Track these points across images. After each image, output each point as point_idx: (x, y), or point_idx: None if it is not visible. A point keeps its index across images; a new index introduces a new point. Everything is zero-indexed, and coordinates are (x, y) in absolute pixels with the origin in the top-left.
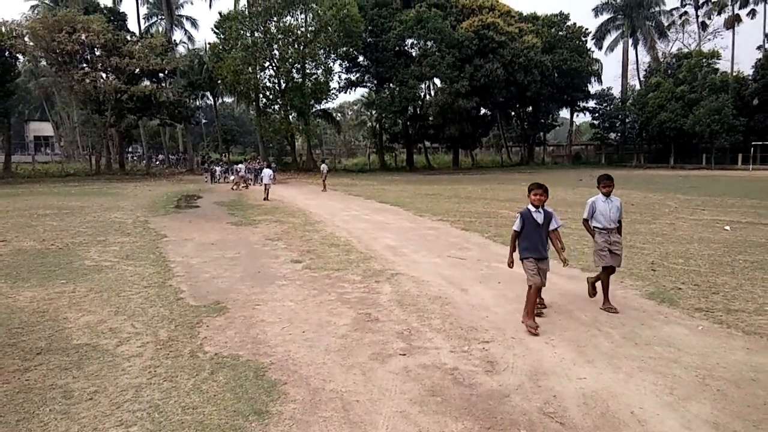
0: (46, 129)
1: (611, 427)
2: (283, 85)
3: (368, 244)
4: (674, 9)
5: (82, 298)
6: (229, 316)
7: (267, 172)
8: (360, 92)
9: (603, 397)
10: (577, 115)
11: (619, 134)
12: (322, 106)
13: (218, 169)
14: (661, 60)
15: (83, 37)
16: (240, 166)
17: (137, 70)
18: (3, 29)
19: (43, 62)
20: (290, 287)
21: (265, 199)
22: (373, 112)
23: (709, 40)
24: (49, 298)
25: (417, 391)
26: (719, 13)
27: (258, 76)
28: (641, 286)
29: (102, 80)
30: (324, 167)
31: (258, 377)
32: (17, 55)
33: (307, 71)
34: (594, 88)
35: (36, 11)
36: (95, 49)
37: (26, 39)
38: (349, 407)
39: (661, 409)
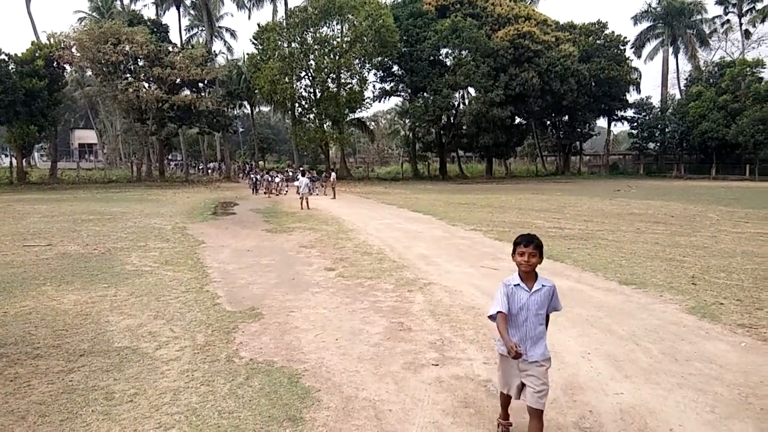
0: (90, 137)
1: None
2: (319, 95)
3: (401, 253)
4: (716, 17)
5: (123, 302)
6: (264, 322)
7: (303, 181)
8: (394, 101)
9: (641, 414)
10: (615, 125)
11: (658, 144)
12: (357, 115)
13: (268, 177)
14: (703, 69)
15: (127, 48)
16: (273, 175)
17: (178, 80)
18: (52, 41)
19: (89, 72)
20: (323, 295)
21: (302, 207)
22: (407, 120)
23: (753, 48)
24: (91, 301)
25: (450, 402)
26: (763, 21)
27: (294, 86)
28: (681, 300)
29: (144, 90)
30: (333, 175)
31: (292, 383)
32: (65, 65)
33: (342, 81)
34: (632, 97)
35: (83, 23)
36: (138, 60)
37: (73, 50)
38: (382, 416)
39: (702, 427)
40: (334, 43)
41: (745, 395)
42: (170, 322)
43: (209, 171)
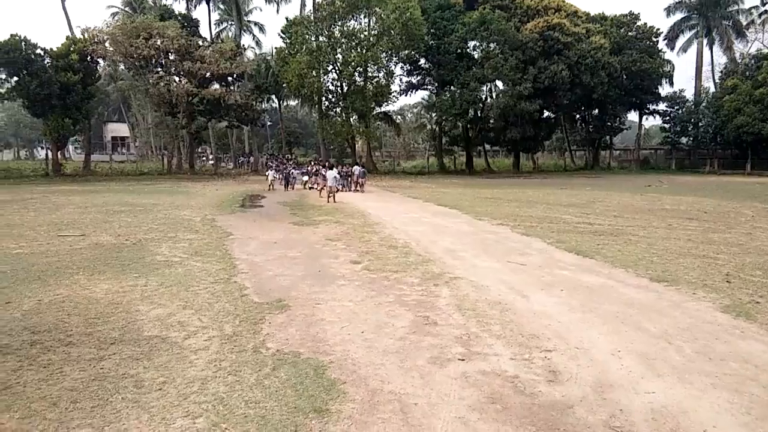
0: (122, 130)
1: None
2: (345, 88)
3: (427, 247)
4: (753, 8)
5: (153, 292)
6: (290, 313)
7: (331, 174)
8: (420, 95)
9: (673, 413)
10: (647, 119)
11: (691, 138)
12: (383, 109)
13: (296, 172)
14: (739, 61)
15: (159, 43)
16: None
17: (208, 73)
18: (86, 35)
19: (122, 66)
20: (349, 287)
21: (328, 201)
22: (433, 114)
23: None
24: (122, 290)
25: (476, 397)
26: None
27: (321, 80)
28: (715, 298)
29: (175, 84)
30: (357, 169)
31: (318, 375)
32: (98, 59)
33: (369, 74)
34: (665, 90)
35: (116, 18)
36: (169, 54)
37: (107, 44)
38: (408, 410)
39: (737, 429)
40: (362, 36)
41: None
42: (199, 312)
43: (245, 164)
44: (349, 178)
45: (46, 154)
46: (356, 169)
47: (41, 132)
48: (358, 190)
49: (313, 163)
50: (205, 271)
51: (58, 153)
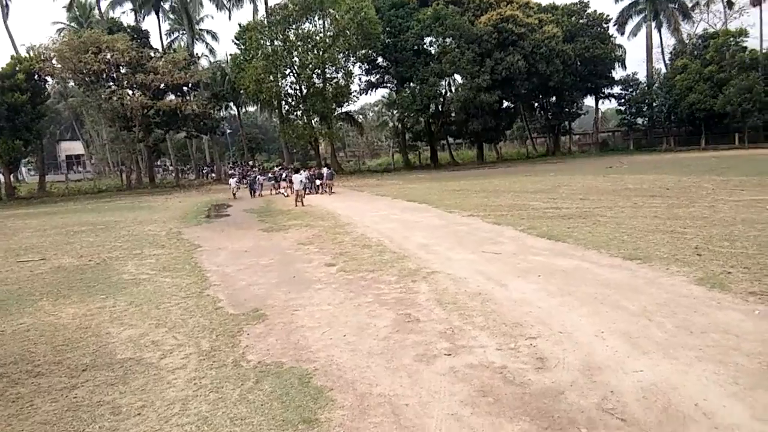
0: (77, 148)
1: (676, 421)
2: (305, 91)
3: (400, 244)
4: None
5: (122, 312)
6: (268, 323)
7: (297, 178)
8: (381, 93)
9: (663, 390)
10: (603, 102)
11: (646, 119)
12: (344, 109)
13: (262, 178)
14: (687, 42)
15: (109, 57)
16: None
17: (162, 85)
18: (31, 53)
19: (72, 83)
20: (326, 291)
21: (296, 205)
22: (395, 111)
23: (735, 18)
24: (90, 313)
25: (467, 391)
26: None
27: (279, 84)
28: (688, 272)
29: (128, 97)
30: (324, 170)
31: (303, 384)
32: (46, 77)
33: (328, 76)
34: (618, 74)
35: (62, 34)
36: (120, 67)
37: (54, 62)
38: (399, 411)
39: (727, 399)
40: (317, 38)
41: (767, 364)
42: (173, 329)
43: (207, 174)
44: (318, 181)
45: None
46: (324, 171)
47: None
48: (325, 192)
49: (278, 169)
50: (176, 286)
51: (11, 176)
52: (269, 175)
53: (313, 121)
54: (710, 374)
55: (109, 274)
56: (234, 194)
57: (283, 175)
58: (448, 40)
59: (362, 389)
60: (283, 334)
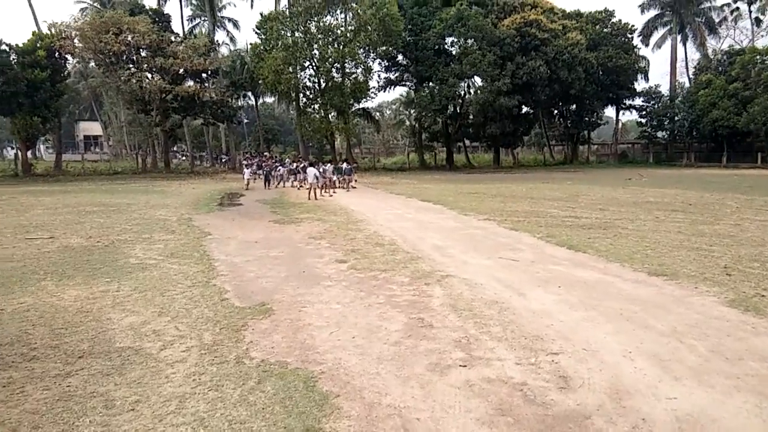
0: (95, 128)
1: None
2: (323, 85)
3: (414, 244)
4: (725, 5)
5: (125, 298)
6: (274, 318)
7: (311, 171)
8: (399, 91)
9: (700, 422)
10: (623, 113)
11: (667, 132)
12: (362, 105)
13: (283, 169)
14: (712, 57)
15: (129, 38)
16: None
17: (181, 70)
18: (53, 31)
19: (92, 63)
20: (336, 288)
21: (309, 198)
22: (412, 111)
23: (762, 36)
24: (93, 297)
25: (483, 409)
26: None
27: (298, 76)
28: (719, 292)
29: (147, 80)
30: (344, 166)
31: (308, 388)
32: (66, 56)
33: (347, 70)
34: (640, 85)
35: (84, 13)
36: (141, 50)
37: (75, 41)
38: (410, 426)
39: None
40: (338, 32)
41: None
42: (175, 319)
43: (223, 163)
44: (335, 176)
45: (15, 154)
46: (343, 165)
47: (9, 131)
48: (343, 187)
49: (294, 162)
50: (182, 273)
51: (28, 153)
52: (291, 166)
53: (330, 116)
54: (751, 407)
55: (116, 257)
56: (247, 185)
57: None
58: (469, 41)
59: (371, 398)
60: (289, 332)
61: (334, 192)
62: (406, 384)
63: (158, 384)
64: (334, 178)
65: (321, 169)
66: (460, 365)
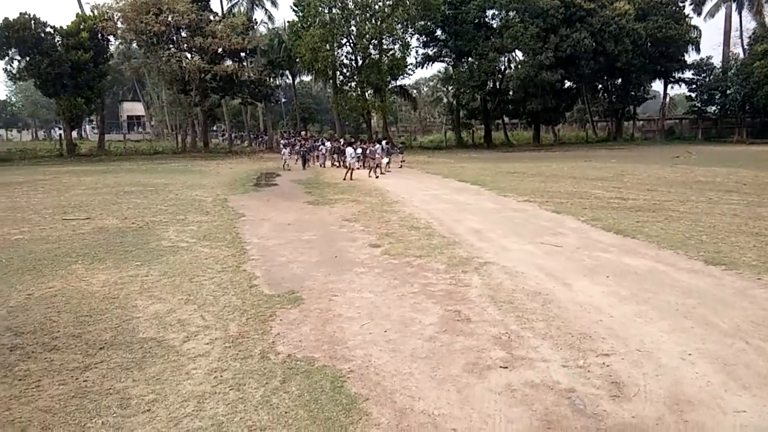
0: (138, 109)
1: None
2: (360, 62)
3: (450, 227)
4: None
5: (154, 283)
6: (304, 308)
7: (349, 151)
8: (436, 68)
9: None
10: (672, 87)
11: (718, 107)
12: (399, 83)
13: (324, 148)
14: None
15: (169, 18)
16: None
17: (220, 49)
18: (95, 12)
19: (134, 44)
20: (369, 275)
21: (345, 178)
22: (450, 87)
23: None
24: (121, 281)
25: (527, 419)
26: None
27: (335, 54)
28: None
29: (187, 60)
30: (380, 146)
31: (335, 390)
32: (109, 37)
33: (384, 47)
34: (691, 57)
35: None
36: (180, 30)
37: (118, 22)
38: None
39: None
40: (376, 7)
41: None
42: (202, 307)
43: (261, 143)
44: (377, 156)
45: (61, 134)
46: (380, 146)
47: (55, 112)
48: (388, 171)
49: (330, 141)
50: (213, 257)
51: (74, 133)
52: (333, 145)
53: (366, 93)
54: None
55: (149, 239)
56: (285, 164)
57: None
58: (511, 13)
59: (402, 402)
60: (318, 323)
61: (381, 173)
62: (441, 387)
63: (178, 381)
64: (385, 160)
65: (368, 150)
66: (501, 366)
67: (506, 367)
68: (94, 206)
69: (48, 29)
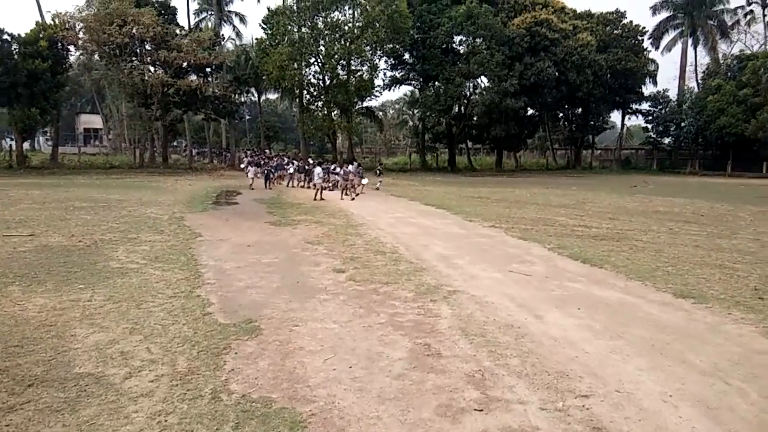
0: (96, 121)
1: None
2: (328, 82)
3: (417, 253)
4: (739, 8)
5: (97, 309)
6: (262, 339)
7: (317, 171)
8: (403, 90)
9: None
10: (629, 118)
11: (673, 139)
12: (366, 104)
13: (292, 167)
14: (722, 62)
15: (134, 31)
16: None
17: (184, 63)
18: (56, 21)
19: (96, 56)
20: (333, 303)
21: (315, 198)
22: (416, 110)
23: None
24: (61, 307)
25: None
26: None
27: (303, 72)
28: (756, 320)
29: (150, 73)
30: (351, 167)
31: None
32: (69, 47)
33: (352, 68)
34: (648, 89)
35: (89, 3)
36: (145, 43)
37: (80, 32)
38: None
39: None
40: (346, 28)
41: None
42: (148, 338)
43: (224, 159)
44: (351, 177)
45: (11, 146)
46: (350, 167)
47: (6, 122)
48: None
49: (296, 160)
50: (165, 281)
51: (27, 144)
52: (301, 163)
53: (333, 113)
54: None
55: (96, 260)
56: (252, 183)
57: (330, 168)
58: (478, 40)
59: None
60: (277, 357)
61: (356, 195)
62: None
63: (114, 427)
64: (365, 180)
65: (342, 171)
66: (476, 409)
67: (481, 410)
68: (40, 222)
69: (5, 36)
